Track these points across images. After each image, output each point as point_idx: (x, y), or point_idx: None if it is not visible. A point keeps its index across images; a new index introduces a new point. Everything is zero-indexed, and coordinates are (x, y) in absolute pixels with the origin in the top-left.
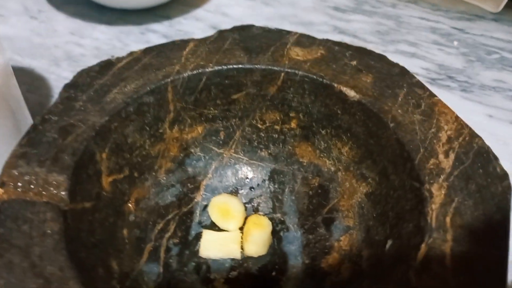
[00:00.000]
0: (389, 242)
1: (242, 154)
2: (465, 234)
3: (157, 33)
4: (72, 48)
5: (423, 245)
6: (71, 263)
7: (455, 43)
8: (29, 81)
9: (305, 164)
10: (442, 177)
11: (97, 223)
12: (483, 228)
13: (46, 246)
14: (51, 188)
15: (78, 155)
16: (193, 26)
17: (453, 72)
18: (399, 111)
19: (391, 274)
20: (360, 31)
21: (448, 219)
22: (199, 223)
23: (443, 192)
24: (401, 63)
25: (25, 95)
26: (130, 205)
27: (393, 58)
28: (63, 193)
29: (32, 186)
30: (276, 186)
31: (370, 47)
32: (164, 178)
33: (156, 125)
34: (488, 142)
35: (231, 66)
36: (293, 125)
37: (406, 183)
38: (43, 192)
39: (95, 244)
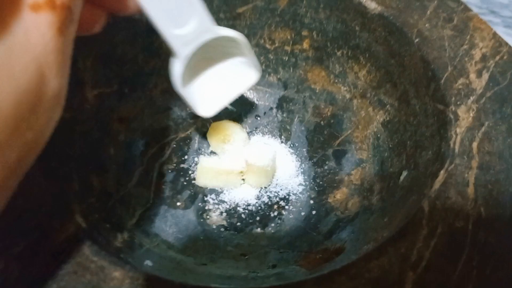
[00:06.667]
0: (404, 173)
1: None
2: (494, 162)
3: None
4: None
5: (441, 172)
6: (38, 172)
7: None
8: None
9: (317, 91)
10: (471, 98)
11: (78, 136)
12: None
13: None
14: None
15: None
16: None
17: (496, 6)
18: (427, 25)
19: (402, 207)
20: None
21: (475, 145)
22: (198, 150)
23: (471, 114)
24: None
25: None
26: (119, 123)
27: None
28: None
29: None
30: (284, 115)
31: None
32: (160, 99)
33: (149, 37)
34: None
35: None
36: (305, 45)
37: (429, 107)
38: None
39: (72, 156)
